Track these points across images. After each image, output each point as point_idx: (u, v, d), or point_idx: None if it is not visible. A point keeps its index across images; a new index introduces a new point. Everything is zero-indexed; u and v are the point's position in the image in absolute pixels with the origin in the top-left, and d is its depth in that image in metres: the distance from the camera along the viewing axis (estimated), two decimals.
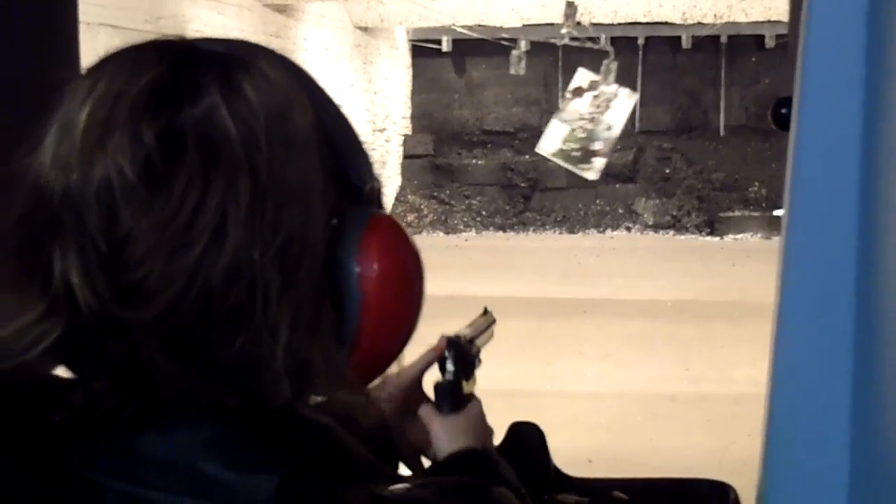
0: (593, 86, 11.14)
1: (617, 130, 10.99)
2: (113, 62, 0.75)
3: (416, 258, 0.85)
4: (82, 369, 0.75)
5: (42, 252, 0.72)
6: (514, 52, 10.44)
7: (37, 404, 0.78)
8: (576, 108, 11.13)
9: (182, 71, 0.73)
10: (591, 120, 11.09)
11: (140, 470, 0.74)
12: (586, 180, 11.19)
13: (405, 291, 0.84)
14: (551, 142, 11.01)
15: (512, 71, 10.51)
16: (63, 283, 0.71)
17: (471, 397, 1.22)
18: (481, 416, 1.20)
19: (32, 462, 0.76)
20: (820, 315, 0.86)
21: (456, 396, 1.20)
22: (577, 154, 11.03)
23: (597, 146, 11.02)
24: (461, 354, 1.22)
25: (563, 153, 11.03)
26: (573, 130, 11.05)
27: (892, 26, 0.82)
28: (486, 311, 1.34)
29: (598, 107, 11.15)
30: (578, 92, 11.21)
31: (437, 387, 1.21)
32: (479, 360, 1.26)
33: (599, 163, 10.92)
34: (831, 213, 0.84)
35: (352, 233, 0.80)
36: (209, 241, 0.70)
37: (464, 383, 1.21)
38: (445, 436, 1.15)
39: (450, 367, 1.21)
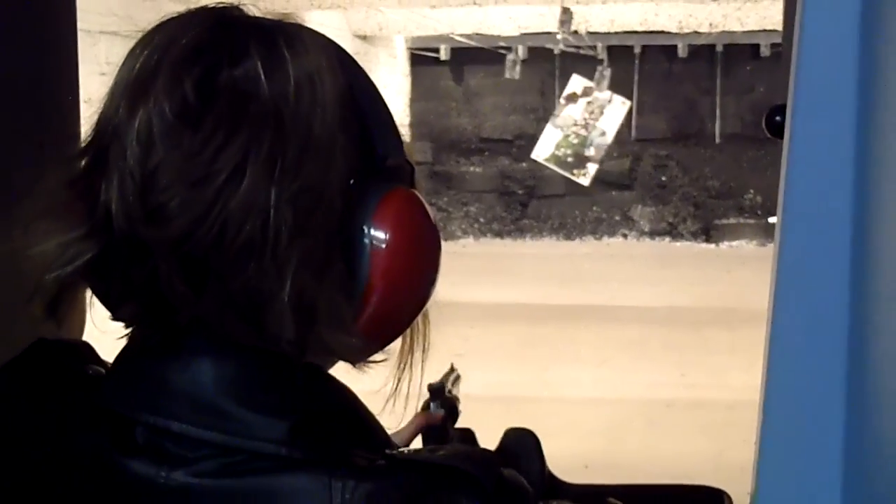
0: (587, 92, 11.16)
1: (610, 136, 11.00)
2: (167, 24, 0.83)
3: (431, 233, 0.87)
4: (108, 294, 0.82)
5: (93, 183, 0.80)
6: (510, 57, 10.46)
7: (74, 358, 0.89)
8: (569, 113, 11.15)
9: (225, 33, 0.80)
10: (585, 126, 11.11)
11: (164, 401, 0.79)
12: (583, 187, 11.20)
13: (415, 264, 0.86)
14: (545, 147, 11.03)
15: (507, 75, 10.53)
16: (104, 209, 0.78)
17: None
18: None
19: (69, 407, 0.84)
20: (813, 323, 0.87)
21: (443, 437, 1.25)
22: (571, 160, 11.05)
23: (590, 152, 11.04)
24: (446, 400, 1.28)
25: (556, 158, 11.05)
26: (567, 136, 11.07)
27: (885, 35, 0.83)
28: (452, 368, 1.38)
29: (591, 113, 11.17)
30: (572, 98, 11.23)
31: (425, 432, 1.25)
32: (459, 411, 1.30)
33: (593, 168, 10.94)
34: (825, 220, 0.85)
35: (370, 200, 0.83)
36: (229, 177, 0.76)
37: (450, 428, 1.25)
38: None
39: (434, 411, 1.27)
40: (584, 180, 10.90)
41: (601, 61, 10.88)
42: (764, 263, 0.89)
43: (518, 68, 10.47)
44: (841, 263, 0.84)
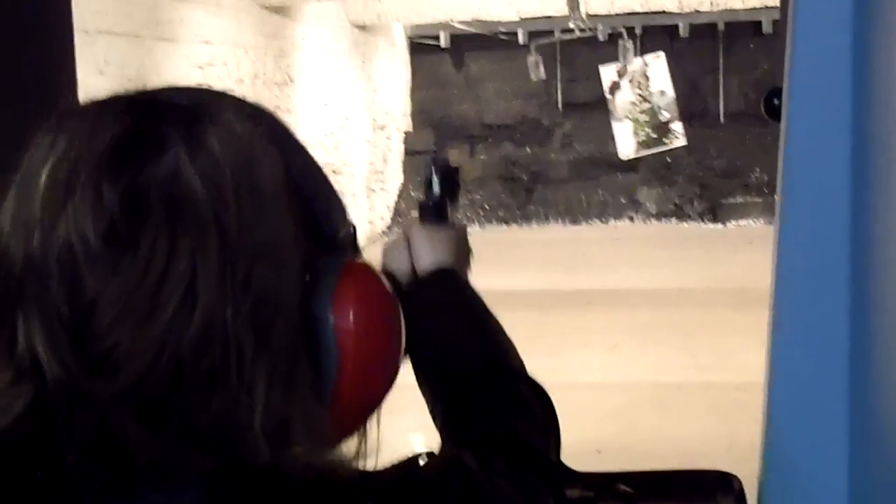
0: (622, 72, 11.09)
1: (670, 91, 10.90)
2: (74, 118, 0.73)
3: (392, 305, 0.83)
4: (51, 440, 0.70)
5: (5, 319, 0.69)
6: (530, 59, 10.44)
7: (21, 460, 0.72)
8: (622, 101, 11.08)
9: (144, 127, 0.70)
10: (645, 99, 11.05)
11: None
12: (589, 171, 11.18)
13: (383, 341, 0.81)
14: (626, 143, 10.98)
15: (532, 77, 10.50)
16: (28, 353, 0.68)
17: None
18: (464, 237, 1.17)
19: None
20: (815, 301, 0.87)
21: (440, 211, 1.17)
22: (655, 135, 10.98)
23: (664, 116, 10.97)
24: (447, 175, 1.19)
25: (643, 144, 11.00)
26: (636, 120, 11.02)
27: (879, 15, 0.82)
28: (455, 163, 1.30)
29: (639, 86, 11.11)
30: (615, 86, 11.17)
31: (422, 203, 1.18)
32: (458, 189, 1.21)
33: (678, 126, 10.86)
34: (824, 200, 0.85)
35: (325, 284, 0.77)
36: (179, 306, 0.67)
37: (448, 206, 1.18)
38: (427, 244, 1.11)
39: (435, 186, 1.18)
40: (681, 140, 10.81)
41: (619, 35, 10.80)
42: (771, 242, 0.88)
43: (541, 68, 10.44)
44: (841, 241, 0.84)
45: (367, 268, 0.83)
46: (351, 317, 0.77)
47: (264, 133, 0.76)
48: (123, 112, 0.72)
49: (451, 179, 1.19)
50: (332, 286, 0.77)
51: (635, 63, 10.88)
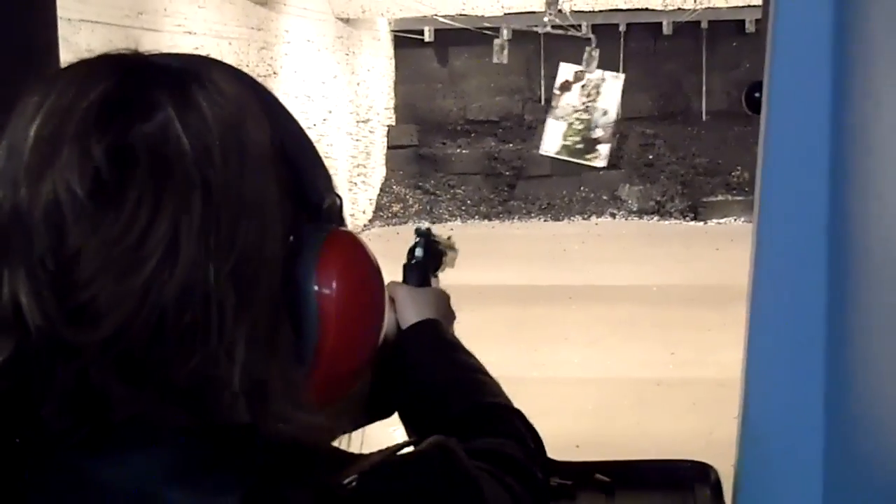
0: (579, 76, 11.18)
1: (613, 114, 11.04)
2: (63, 77, 0.73)
3: (375, 274, 0.84)
4: (31, 392, 0.70)
5: None
6: (497, 41, 10.44)
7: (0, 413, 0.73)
8: (567, 102, 11.17)
9: (134, 85, 0.71)
10: (586, 110, 11.14)
11: (94, 497, 0.70)
12: (569, 167, 11.22)
13: (365, 309, 0.82)
14: (552, 141, 11.08)
15: (495, 60, 10.51)
16: (12, 303, 0.69)
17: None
18: (447, 300, 1.20)
19: None
20: (792, 296, 0.88)
21: (423, 274, 1.22)
22: (581, 146, 11.09)
23: (597, 133, 11.07)
24: (430, 244, 1.26)
25: (566, 149, 11.10)
26: (570, 124, 11.11)
27: (859, 10, 0.83)
28: (450, 238, 1.36)
29: (588, 95, 11.19)
30: (566, 86, 11.25)
31: (406, 266, 1.23)
32: (444, 265, 1.29)
33: (605, 149, 10.98)
34: (802, 195, 0.86)
35: (310, 250, 0.78)
36: (161, 259, 0.68)
37: (430, 272, 1.24)
38: (411, 304, 1.13)
39: (419, 252, 1.24)
40: (600, 162, 10.95)
41: (588, 41, 10.88)
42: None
43: (506, 52, 10.46)
44: (818, 237, 0.85)
45: (351, 236, 0.83)
46: (334, 283, 0.78)
47: (253, 98, 0.77)
48: (113, 71, 0.72)
49: (434, 249, 1.27)
50: (315, 252, 0.78)
51: (595, 73, 10.95)
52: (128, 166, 0.68)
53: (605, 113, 11.20)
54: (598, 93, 11.25)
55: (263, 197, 0.73)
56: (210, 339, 0.70)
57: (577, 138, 11.20)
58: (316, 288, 0.78)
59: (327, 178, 0.84)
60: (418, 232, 1.28)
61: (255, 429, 0.72)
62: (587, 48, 10.78)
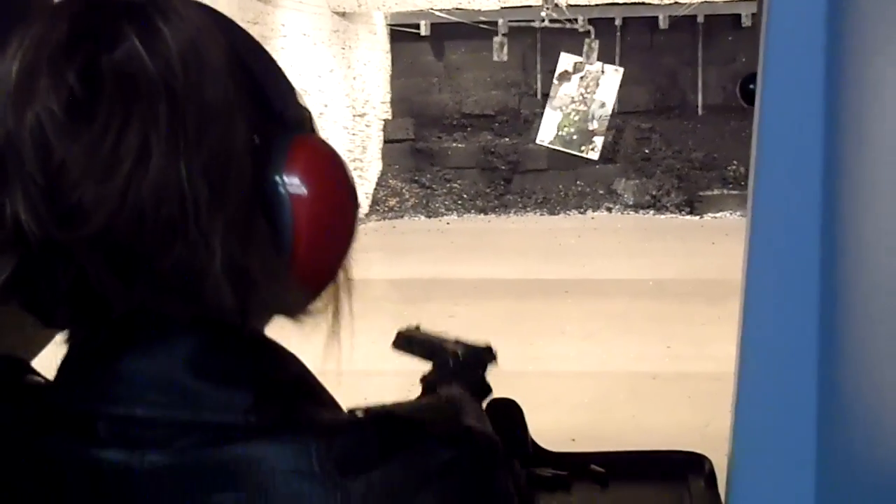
0: (578, 68, 11.18)
1: (610, 107, 11.05)
2: (35, 19, 0.81)
3: (340, 167, 0.89)
4: (37, 304, 0.82)
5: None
6: (496, 39, 10.43)
7: (6, 371, 0.87)
8: (565, 92, 11.18)
9: (97, 18, 0.79)
10: (583, 101, 11.15)
11: (124, 390, 0.80)
12: (565, 161, 11.23)
13: (336, 202, 0.88)
14: (548, 131, 11.08)
15: (495, 58, 10.51)
16: (13, 220, 0.77)
17: None
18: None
19: (15, 416, 0.84)
20: (786, 290, 0.88)
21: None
22: (576, 137, 11.10)
23: (593, 125, 11.08)
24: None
25: (561, 139, 11.11)
26: (567, 115, 11.12)
27: (852, 1, 0.83)
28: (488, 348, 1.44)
29: (586, 87, 11.20)
30: (565, 76, 11.26)
31: (423, 379, 1.30)
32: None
33: (599, 141, 10.98)
34: (795, 187, 0.86)
35: (279, 151, 0.84)
36: (135, 162, 0.76)
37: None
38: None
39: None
40: (593, 154, 10.96)
41: (587, 33, 10.88)
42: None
43: (505, 50, 10.45)
44: (811, 230, 0.85)
45: (317, 137, 0.90)
46: (303, 177, 0.84)
47: (210, 19, 0.86)
48: (81, 10, 0.80)
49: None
50: (284, 152, 0.85)
51: (595, 65, 10.96)
52: (98, 86, 0.77)
53: (602, 105, 11.21)
54: (596, 85, 11.26)
55: (225, 101, 0.80)
56: (188, 231, 0.77)
57: (573, 129, 11.21)
58: (286, 184, 0.84)
59: (291, 90, 0.91)
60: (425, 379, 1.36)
61: (261, 334, 0.84)
62: (587, 40, 10.78)
